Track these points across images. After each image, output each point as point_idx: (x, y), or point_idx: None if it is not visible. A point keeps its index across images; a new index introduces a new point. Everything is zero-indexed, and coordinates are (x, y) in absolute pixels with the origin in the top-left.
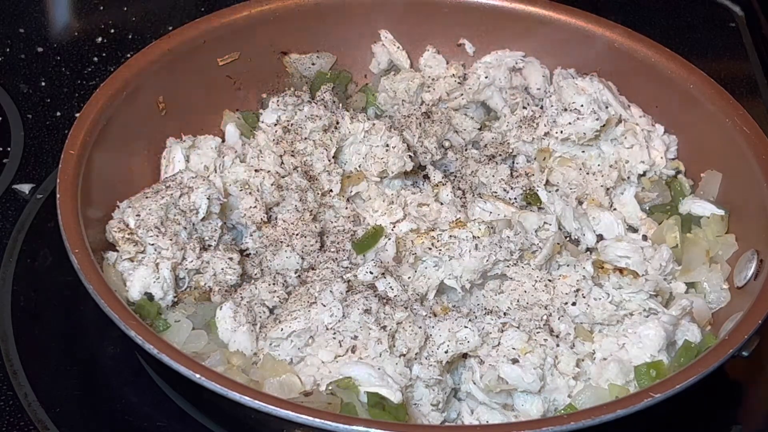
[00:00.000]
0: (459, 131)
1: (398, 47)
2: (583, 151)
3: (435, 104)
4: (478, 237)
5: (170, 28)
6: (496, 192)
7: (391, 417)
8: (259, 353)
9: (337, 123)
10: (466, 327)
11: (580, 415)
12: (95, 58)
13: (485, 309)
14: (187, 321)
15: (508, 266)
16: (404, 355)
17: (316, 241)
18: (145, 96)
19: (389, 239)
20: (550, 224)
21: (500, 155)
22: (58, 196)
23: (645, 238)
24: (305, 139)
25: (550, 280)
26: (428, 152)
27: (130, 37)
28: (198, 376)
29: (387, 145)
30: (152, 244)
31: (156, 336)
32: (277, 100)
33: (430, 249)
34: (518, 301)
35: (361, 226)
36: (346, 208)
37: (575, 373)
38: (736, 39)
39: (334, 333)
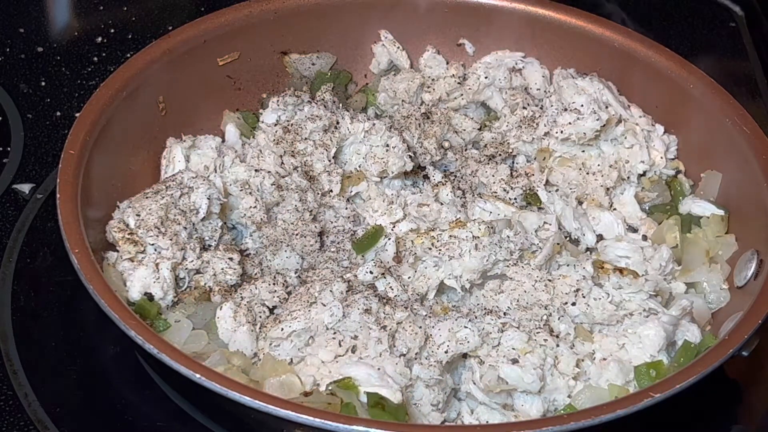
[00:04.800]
0: (458, 131)
1: (398, 47)
2: (583, 151)
3: (435, 104)
4: (478, 237)
5: (170, 28)
6: (496, 192)
7: (391, 417)
8: (259, 353)
9: (337, 123)
10: (466, 327)
11: (580, 415)
12: (95, 58)
13: (485, 309)
14: (187, 321)
15: (508, 266)
16: (404, 355)
17: (316, 241)
18: (145, 96)
19: (389, 239)
20: (550, 224)
21: (500, 155)
22: (58, 196)
23: (645, 238)
24: (305, 139)
25: (550, 280)
26: (427, 153)
27: (130, 37)
28: (198, 376)
29: (387, 145)
30: (152, 244)
31: (156, 336)
32: (277, 100)
33: (430, 249)
34: (518, 301)
35: (361, 226)
36: (346, 208)
37: (575, 373)
38: (736, 39)
39: (334, 333)
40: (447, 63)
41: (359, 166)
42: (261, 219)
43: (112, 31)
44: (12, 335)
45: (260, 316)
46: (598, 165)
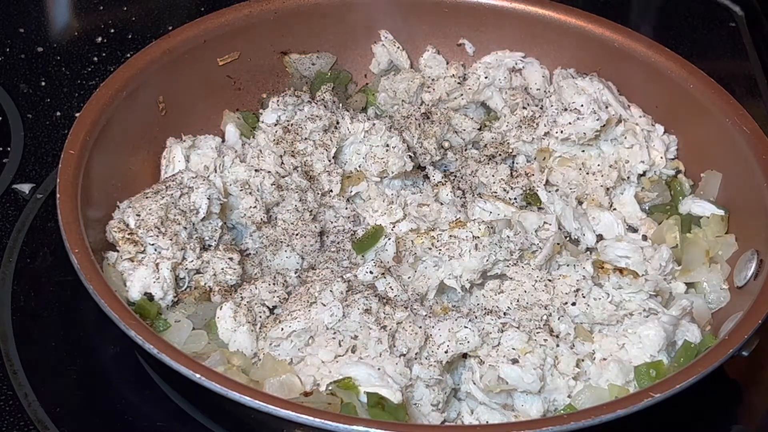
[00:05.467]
0: (458, 131)
1: (398, 47)
2: (583, 151)
3: (435, 104)
4: (478, 237)
5: (170, 28)
6: (496, 192)
7: (391, 417)
8: (259, 353)
9: (337, 123)
10: (466, 327)
11: (580, 415)
12: (95, 58)
13: (485, 309)
14: (187, 321)
15: (508, 266)
16: (404, 355)
17: (316, 241)
18: (145, 96)
19: (389, 239)
20: (550, 224)
21: (500, 155)
22: (58, 196)
23: (645, 238)
24: (305, 139)
25: (550, 280)
26: (427, 153)
27: (130, 37)
28: (198, 376)
29: (387, 145)
30: (152, 244)
31: (156, 336)
32: (277, 100)
33: (430, 249)
34: (518, 301)
35: (361, 226)
36: (346, 208)
37: (575, 373)
38: (736, 39)
39: (334, 333)
40: (447, 63)
41: (359, 166)
42: (261, 219)
43: (112, 31)
44: (12, 335)
45: (260, 316)
46: (598, 165)
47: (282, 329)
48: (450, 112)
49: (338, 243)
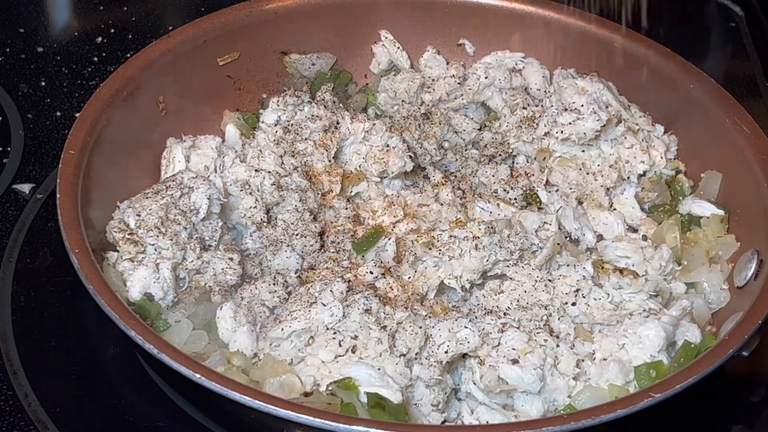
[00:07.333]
0: (458, 132)
1: (398, 47)
2: (583, 151)
3: (435, 105)
4: (478, 237)
5: (170, 28)
6: (496, 192)
7: (391, 417)
8: (260, 353)
9: (338, 123)
10: (466, 327)
11: (580, 415)
12: (95, 58)
13: (485, 309)
14: (188, 321)
15: (508, 266)
16: (404, 355)
17: (316, 241)
18: (145, 96)
19: (389, 239)
20: (550, 224)
21: (500, 155)
22: (58, 196)
23: (645, 238)
24: (305, 139)
25: (550, 280)
26: (427, 153)
27: (130, 37)
28: (198, 376)
29: (387, 145)
30: (152, 245)
31: (156, 336)
32: (277, 100)
33: (430, 249)
34: (518, 301)
35: (361, 226)
36: (346, 208)
37: (575, 373)
38: (736, 39)
39: (334, 333)
40: (447, 63)
41: (359, 166)
42: (261, 219)
43: (112, 31)
44: (12, 335)
45: (260, 316)
46: (598, 165)
47: (282, 329)
48: (450, 112)
49: (338, 243)
